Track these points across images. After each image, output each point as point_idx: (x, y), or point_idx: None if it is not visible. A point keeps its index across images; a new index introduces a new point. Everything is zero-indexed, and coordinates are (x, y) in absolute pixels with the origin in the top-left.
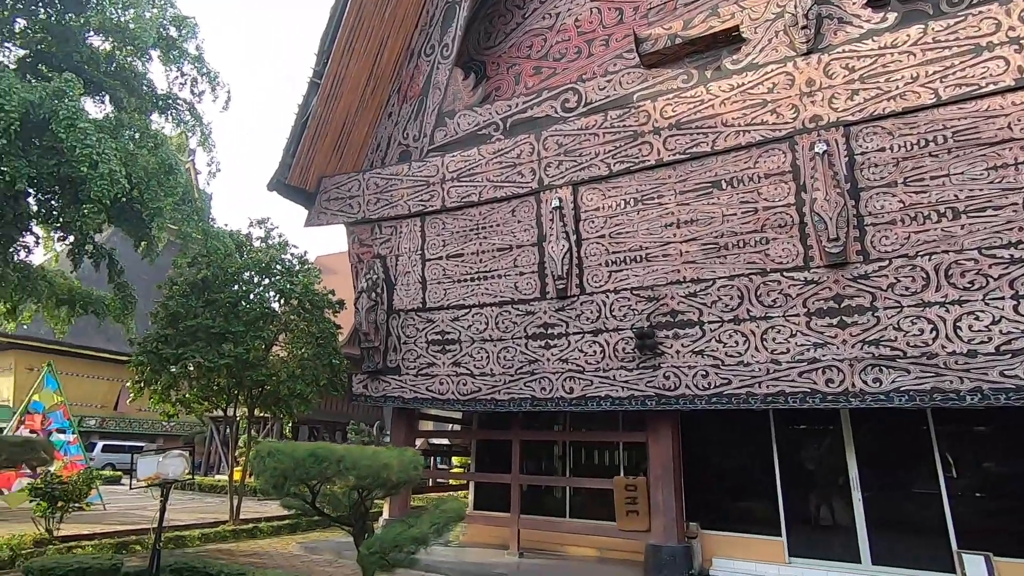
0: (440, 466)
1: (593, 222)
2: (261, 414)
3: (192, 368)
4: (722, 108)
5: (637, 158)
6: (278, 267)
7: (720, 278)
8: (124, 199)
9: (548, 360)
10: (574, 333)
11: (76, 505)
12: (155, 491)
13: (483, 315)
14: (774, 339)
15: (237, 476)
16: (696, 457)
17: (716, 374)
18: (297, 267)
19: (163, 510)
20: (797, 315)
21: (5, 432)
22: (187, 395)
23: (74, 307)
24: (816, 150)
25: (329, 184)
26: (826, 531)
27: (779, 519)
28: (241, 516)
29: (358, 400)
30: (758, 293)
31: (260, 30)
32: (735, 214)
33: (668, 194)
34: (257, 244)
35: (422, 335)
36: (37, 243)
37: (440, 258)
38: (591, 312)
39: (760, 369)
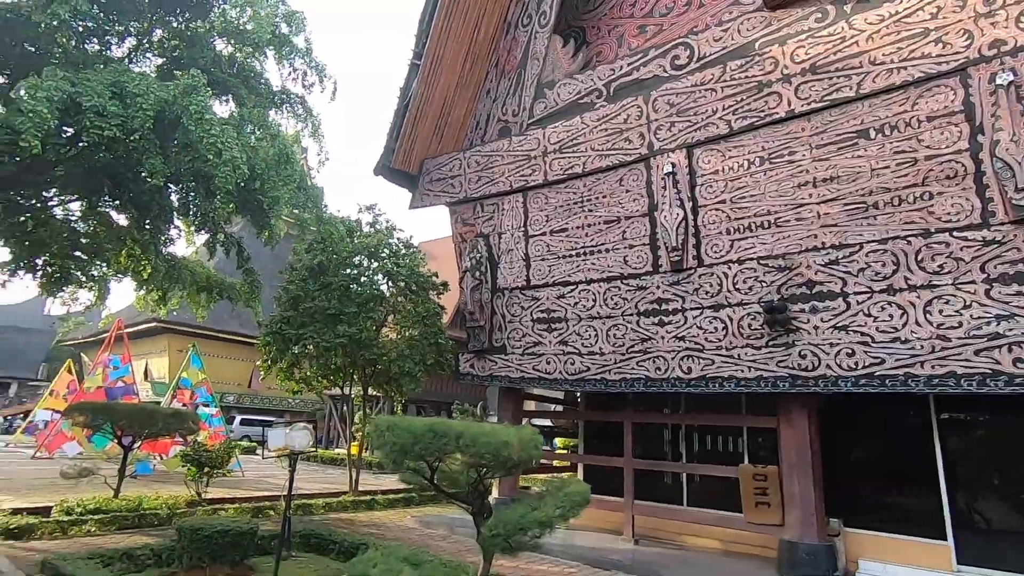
0: (543, 447)
1: (711, 187)
2: (374, 392)
3: (311, 347)
4: (869, 44)
5: (763, 111)
6: (385, 250)
7: (869, 242)
8: (247, 189)
9: (663, 338)
10: (691, 309)
11: (219, 471)
12: (284, 462)
13: (590, 292)
14: (941, 311)
15: (355, 451)
16: (835, 446)
17: (865, 352)
18: (403, 251)
19: (291, 479)
20: (973, 282)
21: (161, 405)
22: (308, 373)
23: (211, 293)
24: (999, 81)
25: (431, 165)
26: (1006, 538)
27: (943, 520)
28: (360, 488)
29: (464, 379)
30: (919, 258)
31: (359, 17)
32: (887, 167)
33: (801, 150)
34: (366, 229)
35: (527, 313)
36: (179, 235)
37: (543, 234)
38: (711, 285)
39: (922, 347)
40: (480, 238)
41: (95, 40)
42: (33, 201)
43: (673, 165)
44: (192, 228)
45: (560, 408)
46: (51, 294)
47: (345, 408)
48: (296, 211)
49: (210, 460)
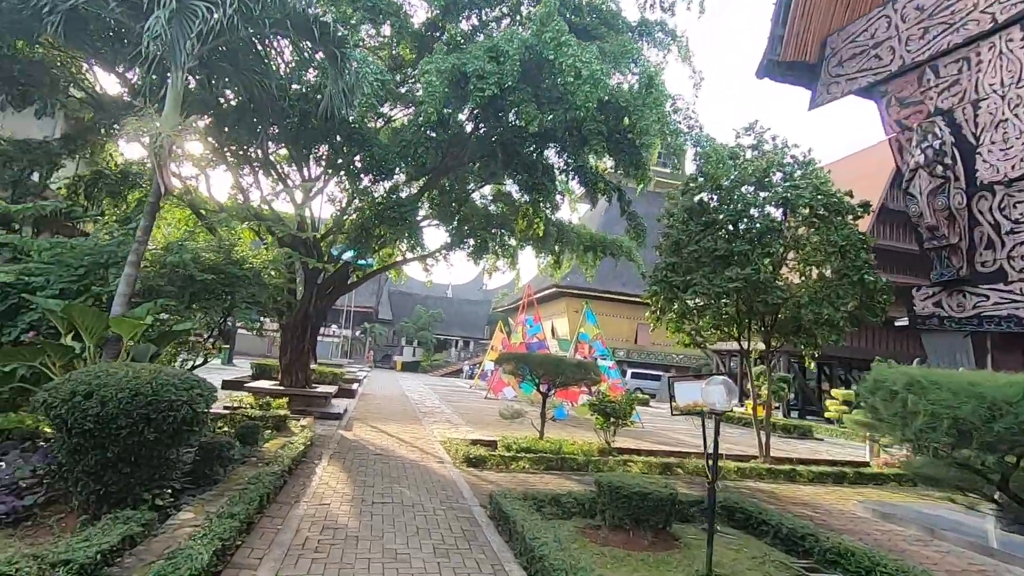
0: None
1: None
2: (776, 345)
3: (700, 295)
4: None
5: None
6: (778, 173)
7: None
8: (616, 130)
9: None
10: None
11: (623, 423)
12: (695, 421)
13: None
14: None
15: (760, 412)
16: None
17: None
18: (798, 172)
19: (716, 445)
20: None
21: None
22: (699, 323)
23: (596, 251)
24: None
25: (838, 41)
26: None
27: None
28: (771, 454)
29: (924, 325)
30: None
31: None
32: None
33: None
34: (749, 155)
35: None
36: (563, 200)
37: None
38: None
39: None
40: (936, 117)
41: (474, 16)
42: (457, 188)
43: None
44: (569, 178)
45: None
46: (475, 261)
47: (736, 364)
48: (669, 139)
49: (614, 411)
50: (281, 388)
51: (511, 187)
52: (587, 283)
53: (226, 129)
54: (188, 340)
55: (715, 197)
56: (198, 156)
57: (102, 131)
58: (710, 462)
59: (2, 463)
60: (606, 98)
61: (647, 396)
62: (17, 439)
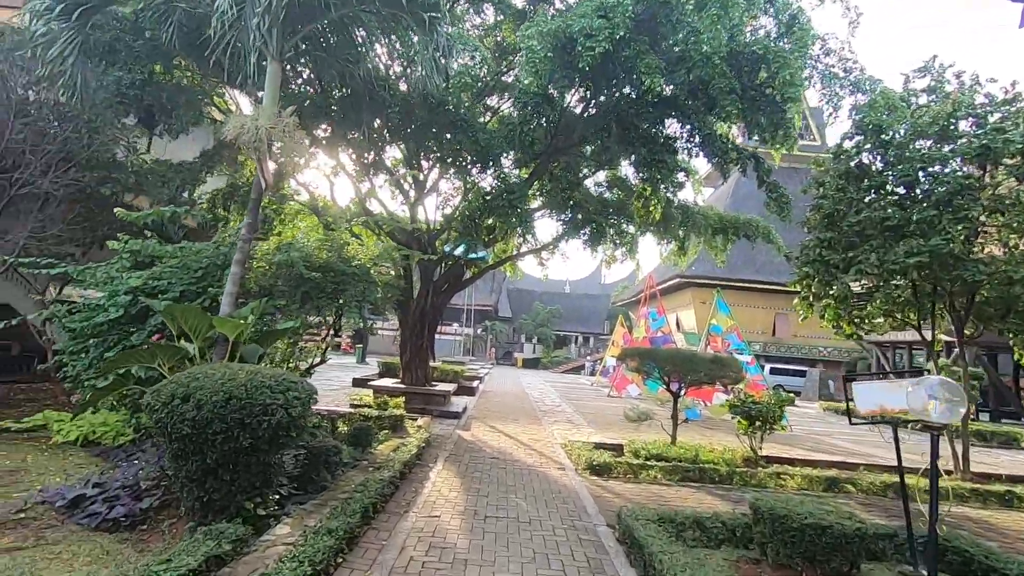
0: None
1: None
2: (970, 333)
3: (867, 274)
4: None
5: None
6: (964, 122)
7: None
8: (751, 86)
9: None
10: None
11: (772, 428)
12: (883, 431)
13: None
14: None
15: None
16: None
17: None
18: (996, 115)
19: (934, 470)
20: None
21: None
22: (867, 309)
23: (727, 234)
24: None
25: None
26: None
27: None
28: (970, 469)
29: None
30: None
31: None
32: None
33: None
34: (924, 100)
35: None
36: (686, 177)
37: None
38: None
39: None
40: None
41: None
42: (569, 175)
43: None
44: (693, 154)
45: None
46: (592, 250)
47: (900, 357)
48: (824, 87)
49: (761, 414)
50: (402, 386)
51: (627, 171)
52: (717, 271)
53: (327, 128)
54: (298, 339)
55: (878, 157)
56: (314, 159)
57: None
58: (897, 479)
59: (134, 462)
60: (736, 47)
61: (790, 395)
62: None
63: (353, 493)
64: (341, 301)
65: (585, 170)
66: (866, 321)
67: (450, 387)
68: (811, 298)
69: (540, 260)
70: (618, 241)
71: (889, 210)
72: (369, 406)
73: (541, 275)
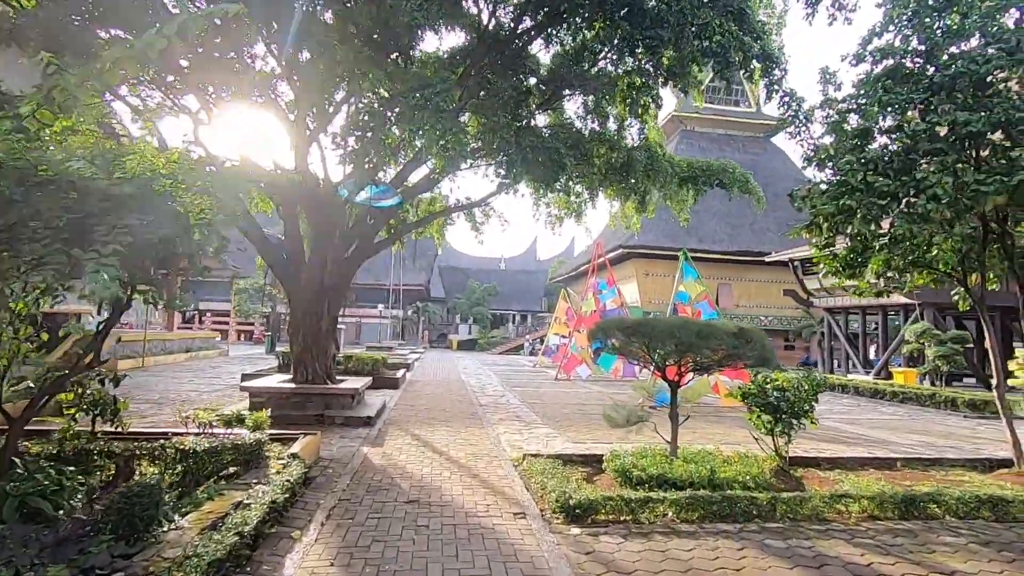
0: None
1: None
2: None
3: (935, 207)
4: None
5: None
6: (1012, 18)
7: None
8: None
9: None
10: None
11: (802, 423)
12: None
13: None
14: None
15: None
16: None
17: None
18: None
19: None
20: None
21: None
22: (931, 254)
23: (696, 183)
24: None
25: None
26: None
27: None
28: None
29: None
30: None
31: None
32: None
33: None
34: None
35: None
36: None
37: None
38: None
39: None
40: None
41: None
42: (514, 105)
43: None
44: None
45: None
46: (547, 188)
47: (854, 324)
48: None
49: (790, 406)
50: (289, 386)
51: (577, 110)
52: (661, 240)
53: None
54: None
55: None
56: None
57: None
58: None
59: None
60: None
61: (823, 376)
62: None
63: None
64: (79, 252)
65: (537, 99)
66: (908, 271)
67: (360, 383)
68: (849, 244)
69: (474, 224)
70: (572, 187)
71: (957, 113)
72: (241, 420)
73: (476, 240)
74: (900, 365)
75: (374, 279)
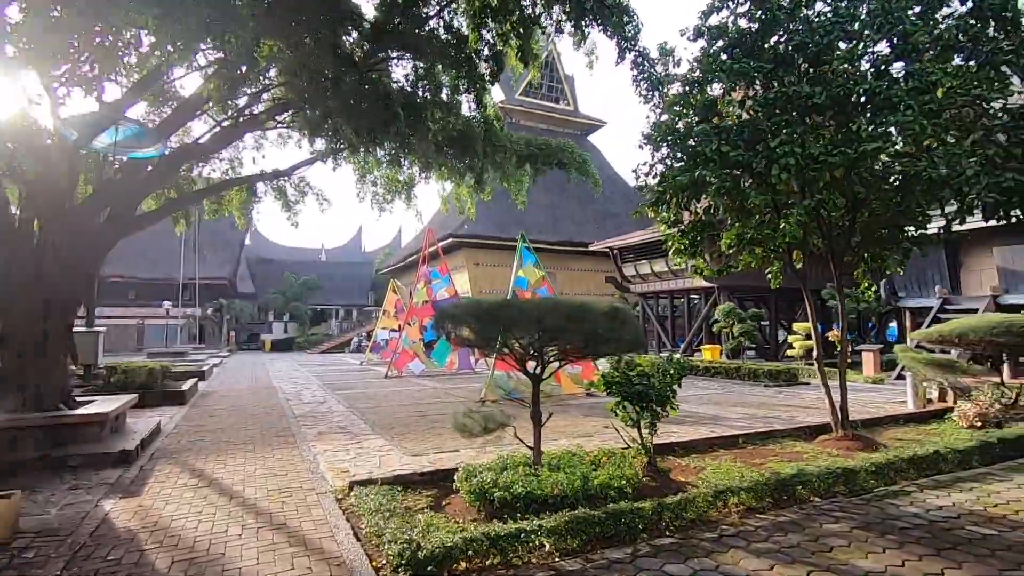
0: None
1: None
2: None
3: (787, 176)
4: None
5: None
6: None
7: None
8: None
9: None
10: None
11: (663, 412)
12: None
13: None
14: None
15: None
16: None
17: None
18: None
19: None
20: None
21: None
22: (752, 232)
23: (536, 162)
24: None
25: None
26: None
27: None
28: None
29: None
30: None
31: None
32: None
33: None
34: None
35: None
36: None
37: None
38: None
39: None
40: None
41: None
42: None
43: None
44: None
45: None
46: (377, 144)
47: (660, 307)
48: None
49: (656, 393)
50: None
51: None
52: (490, 230)
53: None
54: None
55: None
56: None
57: None
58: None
59: None
60: None
61: (683, 360)
62: None
63: None
64: None
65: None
66: (768, 244)
67: (116, 404)
68: (698, 225)
69: (286, 202)
70: (402, 159)
71: (812, 87)
72: None
73: (290, 224)
74: (702, 342)
75: (163, 273)
